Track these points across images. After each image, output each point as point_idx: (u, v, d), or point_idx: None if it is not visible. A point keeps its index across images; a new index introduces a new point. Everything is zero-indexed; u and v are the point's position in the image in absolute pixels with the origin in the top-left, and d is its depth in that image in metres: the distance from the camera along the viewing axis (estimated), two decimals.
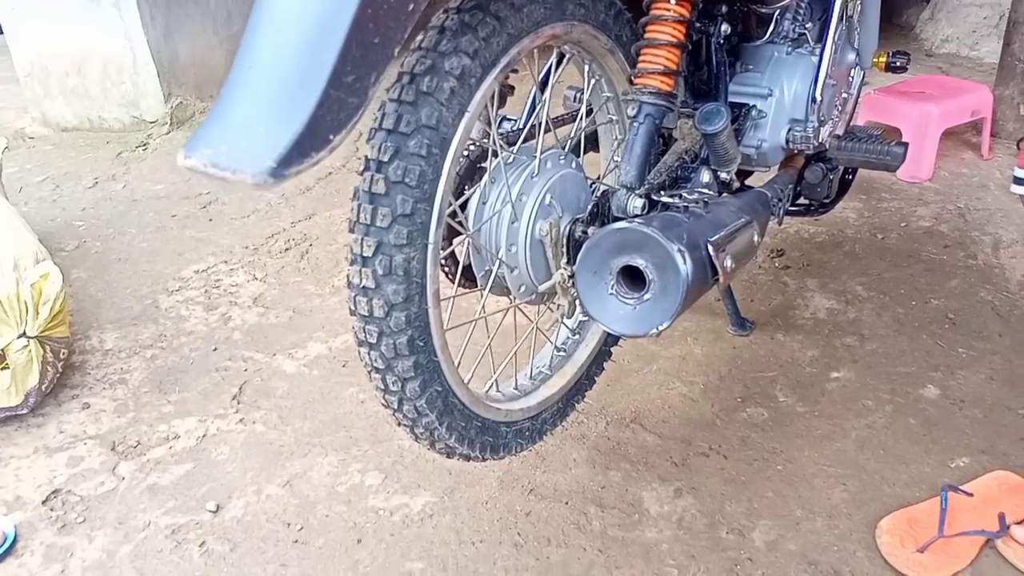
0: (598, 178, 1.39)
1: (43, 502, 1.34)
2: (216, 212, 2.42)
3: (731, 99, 1.43)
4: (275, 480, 1.37)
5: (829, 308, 1.76)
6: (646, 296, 0.86)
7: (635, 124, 1.08)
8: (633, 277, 0.88)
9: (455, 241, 1.09)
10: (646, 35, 1.08)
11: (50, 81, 3.07)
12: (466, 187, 1.06)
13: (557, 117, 1.36)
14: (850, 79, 2.00)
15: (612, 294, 0.88)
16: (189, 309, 1.90)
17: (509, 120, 1.28)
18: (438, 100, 0.87)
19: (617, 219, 1.10)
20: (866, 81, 1.87)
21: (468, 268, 1.10)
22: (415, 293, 0.90)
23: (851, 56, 1.82)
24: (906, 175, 2.29)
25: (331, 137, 0.72)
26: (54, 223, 2.38)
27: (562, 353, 1.29)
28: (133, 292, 1.98)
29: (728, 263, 0.94)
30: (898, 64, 2.05)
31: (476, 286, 1.11)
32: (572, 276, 1.07)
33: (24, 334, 1.42)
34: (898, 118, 2.29)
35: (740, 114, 1.44)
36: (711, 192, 1.10)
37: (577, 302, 0.97)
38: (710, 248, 0.90)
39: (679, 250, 0.83)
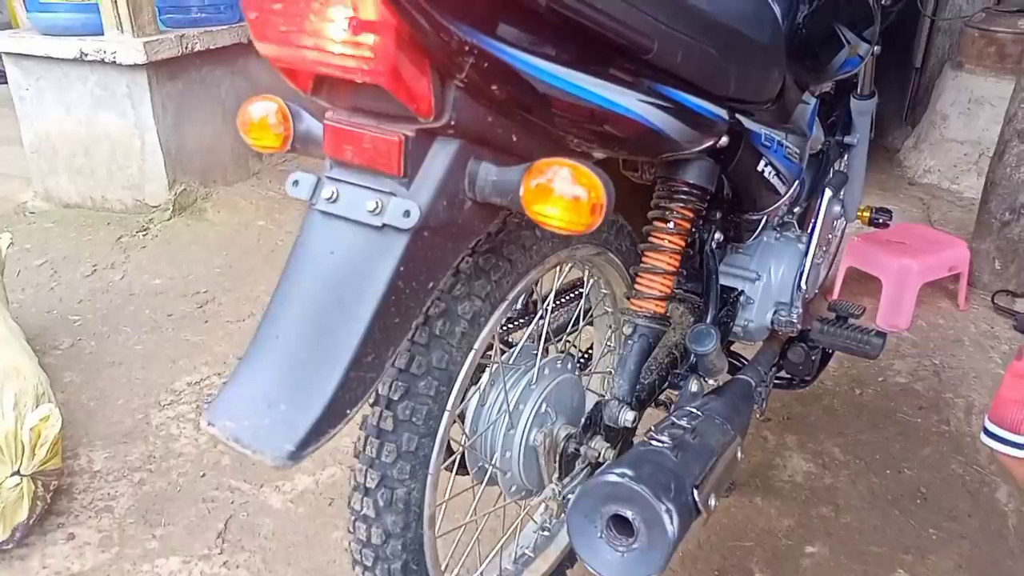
0: (588, 352, 1.45)
1: None
2: (212, 313, 2.45)
3: (721, 281, 1.50)
4: None
5: (806, 472, 1.81)
6: (634, 544, 0.91)
7: (629, 342, 1.14)
8: (623, 522, 0.93)
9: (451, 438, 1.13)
10: (644, 259, 1.15)
11: (57, 159, 3.12)
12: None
13: (557, 298, 1.43)
14: (834, 230, 2.09)
15: (601, 539, 0.92)
16: (180, 427, 1.92)
17: None
18: (449, 343, 0.92)
19: (608, 429, 1.16)
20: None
21: (463, 456, 1.14)
22: (413, 520, 0.94)
23: (837, 209, 1.91)
24: (885, 323, 2.38)
25: (348, 412, 0.77)
26: (50, 316, 2.40)
27: (546, 533, 1.33)
28: (125, 404, 2.00)
29: (712, 502, 0.99)
30: (881, 221, 2.15)
31: (468, 473, 1.15)
32: (563, 490, 1.12)
33: (18, 472, 1.44)
34: (879, 269, 2.38)
35: (729, 299, 1.51)
36: (697, 409, 1.15)
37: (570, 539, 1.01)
38: (695, 493, 0.95)
39: (667, 510, 0.88)
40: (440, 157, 0.76)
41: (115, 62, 2.80)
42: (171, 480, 1.76)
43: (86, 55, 2.82)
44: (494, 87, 0.73)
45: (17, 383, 1.48)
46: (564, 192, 0.72)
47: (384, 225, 0.76)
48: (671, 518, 0.88)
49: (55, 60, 2.91)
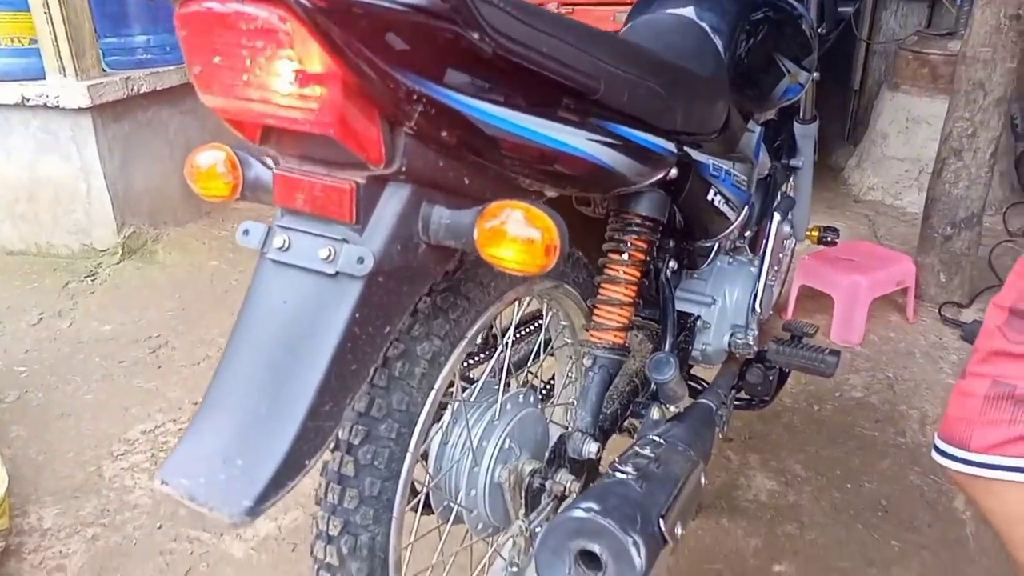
0: (550, 383, 1.45)
1: None
2: (166, 358, 2.40)
3: (678, 307, 1.52)
4: None
5: (770, 490, 1.83)
6: None
7: (590, 373, 1.15)
8: (592, 556, 0.92)
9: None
10: (601, 291, 1.16)
11: None
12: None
13: (516, 331, 1.43)
14: (784, 250, 2.13)
15: (570, 574, 0.92)
16: (134, 478, 1.87)
17: None
18: (409, 384, 0.91)
19: (573, 461, 1.16)
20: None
21: (427, 496, 1.13)
22: (378, 567, 0.93)
23: (786, 229, 1.95)
24: (839, 339, 2.43)
25: (307, 462, 0.76)
26: None
27: (515, 569, 1.31)
28: (76, 456, 1.94)
29: (679, 530, 0.99)
30: (829, 239, 2.21)
31: (432, 512, 1.14)
32: (530, 525, 1.11)
33: None
34: (829, 286, 2.44)
35: (687, 324, 1.53)
36: (659, 437, 1.16)
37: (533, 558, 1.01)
38: (662, 523, 0.95)
39: (634, 543, 0.88)
40: (392, 202, 0.76)
41: (58, 106, 2.75)
42: (126, 534, 1.70)
43: (28, 100, 2.76)
44: (444, 133, 0.74)
45: None
46: (518, 234, 0.73)
47: (338, 273, 0.75)
48: (638, 550, 0.88)
49: None
